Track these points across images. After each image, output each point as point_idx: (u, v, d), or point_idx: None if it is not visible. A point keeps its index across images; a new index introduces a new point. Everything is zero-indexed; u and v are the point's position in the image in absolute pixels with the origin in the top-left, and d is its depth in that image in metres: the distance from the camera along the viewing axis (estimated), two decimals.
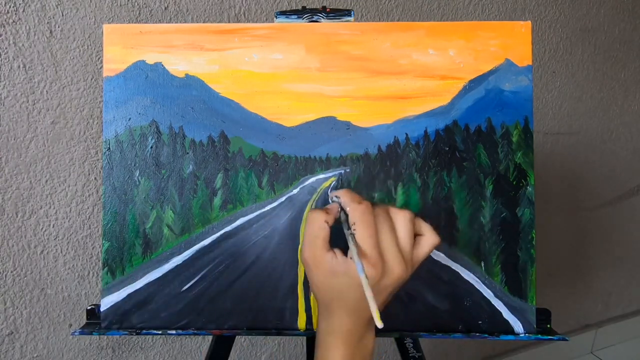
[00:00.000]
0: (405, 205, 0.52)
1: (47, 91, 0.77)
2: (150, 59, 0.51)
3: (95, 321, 0.51)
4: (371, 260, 0.39)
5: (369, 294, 0.36)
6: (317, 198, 0.52)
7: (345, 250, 0.41)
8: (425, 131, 0.51)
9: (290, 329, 0.51)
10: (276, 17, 0.53)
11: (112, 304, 0.50)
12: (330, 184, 0.52)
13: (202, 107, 0.51)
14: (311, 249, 0.42)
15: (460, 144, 0.51)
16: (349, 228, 0.41)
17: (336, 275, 0.40)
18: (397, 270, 0.40)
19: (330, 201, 0.45)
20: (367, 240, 0.39)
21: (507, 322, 0.51)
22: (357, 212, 0.40)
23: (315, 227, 0.42)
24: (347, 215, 0.42)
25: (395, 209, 0.42)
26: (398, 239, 0.41)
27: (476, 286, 0.51)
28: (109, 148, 0.51)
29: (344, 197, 0.42)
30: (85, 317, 0.60)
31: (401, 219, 0.42)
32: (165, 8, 0.82)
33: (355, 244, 0.39)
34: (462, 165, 0.51)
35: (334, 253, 0.41)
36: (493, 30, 0.51)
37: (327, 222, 0.42)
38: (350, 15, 0.53)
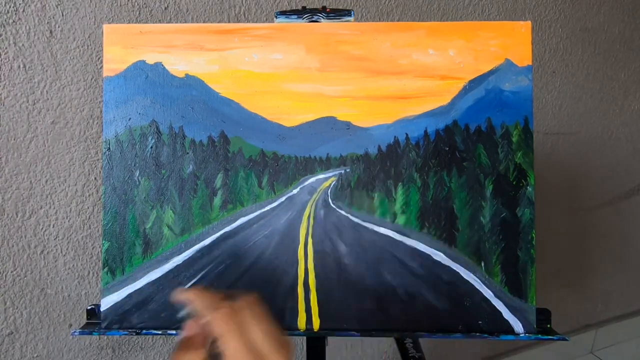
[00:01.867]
0: (405, 206, 0.52)
1: (47, 91, 0.77)
2: (150, 59, 0.51)
3: (95, 321, 0.51)
4: None
5: None
6: (317, 198, 0.52)
7: None
8: (425, 131, 0.51)
9: (290, 329, 0.51)
10: (276, 17, 0.53)
11: (112, 304, 0.50)
12: (330, 184, 0.52)
13: (202, 107, 0.51)
14: None
15: (460, 144, 0.51)
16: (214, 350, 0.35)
17: None
18: (284, 355, 0.35)
19: (181, 319, 0.39)
20: (240, 347, 0.34)
21: (507, 322, 0.50)
22: (218, 321, 0.35)
23: None
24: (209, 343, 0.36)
25: (237, 302, 0.37)
26: (266, 332, 0.36)
27: (476, 286, 0.51)
28: (109, 148, 0.51)
29: (198, 306, 0.36)
30: (85, 317, 0.60)
31: (246, 311, 0.37)
32: (165, 8, 0.82)
33: None
34: (462, 165, 0.51)
35: None
36: (493, 30, 0.51)
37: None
38: (350, 15, 0.53)
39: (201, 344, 0.36)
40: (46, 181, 0.79)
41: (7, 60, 0.74)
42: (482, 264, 0.51)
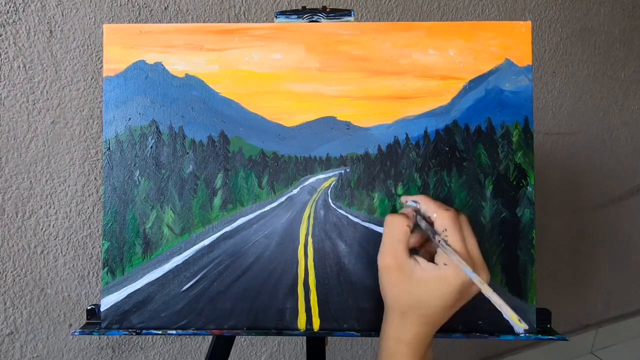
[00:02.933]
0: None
1: (47, 91, 0.77)
2: (150, 59, 0.51)
3: (95, 321, 0.51)
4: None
5: (495, 298, 0.37)
6: (317, 198, 0.52)
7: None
8: (425, 131, 0.51)
9: (290, 329, 0.51)
10: (276, 17, 0.53)
11: (112, 304, 0.50)
12: (330, 184, 0.52)
13: (202, 107, 0.51)
14: (394, 254, 0.41)
15: (460, 144, 0.51)
16: (435, 234, 0.40)
17: (419, 281, 0.40)
18: (484, 275, 0.41)
19: (404, 205, 0.45)
20: (459, 247, 0.40)
21: (507, 322, 0.50)
22: (446, 219, 0.40)
23: (397, 232, 0.41)
24: (427, 222, 0.41)
25: (460, 214, 0.43)
26: (477, 245, 0.42)
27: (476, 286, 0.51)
28: (109, 148, 0.51)
29: (427, 204, 0.42)
30: (85, 317, 0.60)
31: (466, 221, 0.43)
32: (165, 8, 0.82)
33: (452, 250, 0.39)
34: (462, 165, 0.51)
35: (415, 259, 0.41)
36: (493, 30, 0.51)
37: (409, 227, 0.41)
38: (350, 15, 0.53)
39: (412, 218, 0.42)
40: (46, 181, 0.79)
41: (7, 60, 0.74)
42: None
